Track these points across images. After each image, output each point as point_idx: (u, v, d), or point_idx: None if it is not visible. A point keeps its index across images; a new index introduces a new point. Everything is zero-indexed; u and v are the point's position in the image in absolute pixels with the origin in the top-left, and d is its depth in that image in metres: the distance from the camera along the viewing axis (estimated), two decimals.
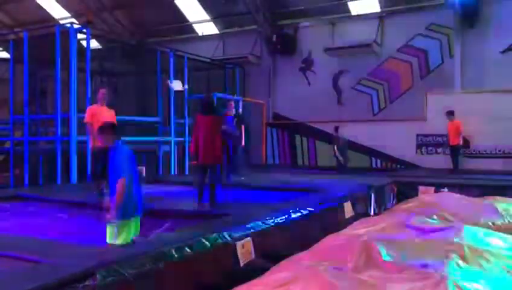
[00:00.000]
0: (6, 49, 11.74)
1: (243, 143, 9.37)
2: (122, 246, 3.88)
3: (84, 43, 10.03)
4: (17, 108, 10.45)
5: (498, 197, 6.20)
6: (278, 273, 3.31)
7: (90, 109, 7.01)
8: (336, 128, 11.94)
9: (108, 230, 4.07)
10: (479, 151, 11.25)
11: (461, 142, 10.75)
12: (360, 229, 4.34)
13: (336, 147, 11.81)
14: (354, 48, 12.76)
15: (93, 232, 4.58)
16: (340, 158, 11.75)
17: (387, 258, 3.37)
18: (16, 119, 10.52)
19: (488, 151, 11.09)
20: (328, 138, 12.55)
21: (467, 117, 11.13)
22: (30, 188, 9.20)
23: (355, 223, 4.93)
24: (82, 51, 9.77)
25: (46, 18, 16.38)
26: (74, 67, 9.27)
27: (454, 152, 10.77)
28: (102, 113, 6.81)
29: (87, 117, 6.89)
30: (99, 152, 6.74)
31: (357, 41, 12.73)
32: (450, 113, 10.81)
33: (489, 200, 6.01)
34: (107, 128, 4.22)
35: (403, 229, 4.22)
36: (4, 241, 3.96)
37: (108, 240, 4.05)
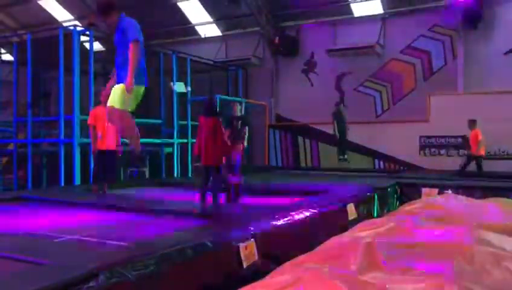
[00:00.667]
0: (10, 52, 11.78)
1: (245, 145, 9.39)
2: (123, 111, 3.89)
3: (87, 45, 10.06)
4: (21, 110, 10.49)
5: (502, 199, 6.18)
6: (280, 276, 3.30)
7: (94, 111, 7.01)
8: (337, 103, 11.92)
9: (120, 95, 3.98)
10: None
11: (481, 153, 10.14)
12: (363, 231, 4.32)
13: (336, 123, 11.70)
14: (357, 49, 12.77)
15: (95, 233, 4.58)
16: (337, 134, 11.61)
17: (391, 260, 3.35)
18: (20, 121, 10.56)
19: (491, 152, 11.04)
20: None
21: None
22: (33, 190, 9.23)
23: (358, 225, 4.91)
24: (85, 53, 9.79)
25: (50, 20, 16.44)
26: (77, 69, 9.30)
27: (477, 162, 10.18)
28: (102, 114, 6.81)
29: (90, 119, 6.89)
30: (101, 154, 6.76)
31: (360, 42, 12.73)
32: (471, 122, 10.22)
33: (493, 201, 5.99)
34: (105, 7, 4.20)
35: (407, 231, 4.20)
36: (7, 243, 3.96)
37: (112, 104, 4.00)
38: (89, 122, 6.91)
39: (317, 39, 13.67)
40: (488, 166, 10.83)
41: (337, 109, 11.93)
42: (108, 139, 6.74)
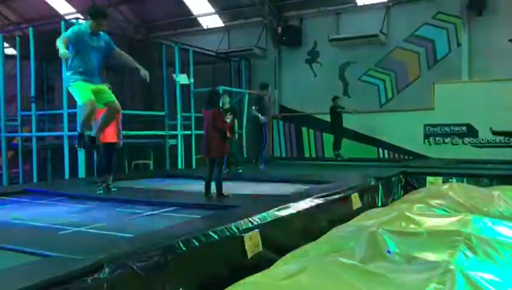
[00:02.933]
0: (13, 46, 11.78)
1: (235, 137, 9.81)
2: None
3: None
4: (25, 104, 10.52)
5: (506, 187, 6.17)
6: (285, 265, 3.32)
7: None
8: (334, 98, 11.90)
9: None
10: (487, 140, 11.16)
11: None
12: (367, 221, 4.34)
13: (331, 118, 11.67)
14: (360, 38, 12.68)
15: (100, 226, 4.61)
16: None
17: (395, 249, 3.36)
18: (24, 115, 10.60)
19: (496, 140, 10.99)
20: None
21: (475, 106, 11.07)
22: (38, 183, 9.29)
23: (362, 214, 4.93)
24: None
25: (52, 14, 16.42)
26: None
27: None
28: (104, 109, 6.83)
29: None
30: (103, 147, 6.79)
31: (363, 31, 12.64)
32: None
33: (497, 189, 5.98)
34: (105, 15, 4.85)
35: (410, 220, 4.21)
36: (13, 235, 4.00)
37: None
38: None
39: (320, 29, 13.58)
40: (493, 154, 10.80)
41: (334, 103, 11.91)
42: (108, 132, 6.78)
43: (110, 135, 6.81)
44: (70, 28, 5.14)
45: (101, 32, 5.11)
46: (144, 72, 5.35)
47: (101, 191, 6.57)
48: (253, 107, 10.20)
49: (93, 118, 4.78)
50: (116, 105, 4.80)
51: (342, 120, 11.96)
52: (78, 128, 4.72)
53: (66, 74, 4.79)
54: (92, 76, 4.71)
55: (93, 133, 5.03)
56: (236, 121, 9.71)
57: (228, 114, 8.80)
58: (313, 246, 3.85)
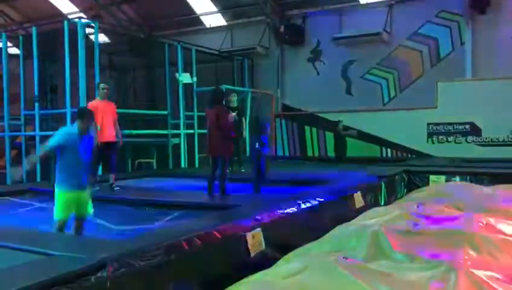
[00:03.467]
0: (16, 45, 11.81)
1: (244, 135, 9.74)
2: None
3: (92, 37, 10.07)
4: (28, 103, 10.54)
5: (509, 185, 6.15)
6: (288, 264, 3.32)
7: (91, 104, 7.03)
8: (336, 123, 11.88)
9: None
10: (490, 139, 11.13)
11: None
12: (370, 219, 4.33)
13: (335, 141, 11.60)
14: (363, 36, 12.65)
15: (104, 224, 4.63)
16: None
17: (397, 248, 3.36)
18: (27, 114, 10.62)
19: (500, 139, 10.96)
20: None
21: (479, 105, 11.03)
22: (42, 182, 9.31)
23: (365, 213, 4.93)
24: (91, 46, 9.80)
25: (55, 13, 16.44)
26: (83, 61, 9.31)
27: None
28: (102, 108, 6.90)
29: None
30: (101, 146, 6.82)
31: (366, 30, 12.62)
32: None
33: (501, 188, 5.97)
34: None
35: (414, 218, 4.20)
36: (17, 234, 4.02)
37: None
38: None
39: (323, 27, 13.56)
40: (496, 152, 10.76)
41: (336, 128, 11.86)
42: (107, 132, 6.83)
43: (110, 135, 6.84)
44: (56, 134, 4.91)
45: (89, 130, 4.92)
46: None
47: (97, 189, 6.61)
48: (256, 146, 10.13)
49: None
50: (82, 222, 4.75)
51: (346, 144, 11.90)
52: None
53: (57, 175, 4.75)
54: (80, 177, 4.63)
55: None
56: (243, 120, 9.69)
57: (231, 112, 8.82)
58: (315, 245, 3.85)
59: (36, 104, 10.17)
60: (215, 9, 15.05)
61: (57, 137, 4.62)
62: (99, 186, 6.72)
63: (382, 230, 3.58)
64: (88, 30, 9.99)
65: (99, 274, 2.69)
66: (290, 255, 3.65)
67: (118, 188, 6.85)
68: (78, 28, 9.37)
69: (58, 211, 4.47)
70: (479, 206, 5.07)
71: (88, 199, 4.69)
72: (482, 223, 3.91)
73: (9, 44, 11.33)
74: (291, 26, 13.82)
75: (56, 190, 4.58)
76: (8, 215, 5.22)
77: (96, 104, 6.98)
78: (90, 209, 4.70)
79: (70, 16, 15.18)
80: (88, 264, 2.73)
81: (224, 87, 10.51)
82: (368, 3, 13.03)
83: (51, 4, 16.57)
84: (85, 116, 4.65)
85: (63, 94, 10.01)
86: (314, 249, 3.66)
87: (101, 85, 7.24)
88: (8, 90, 10.73)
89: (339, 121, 11.97)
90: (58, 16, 15.94)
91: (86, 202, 4.66)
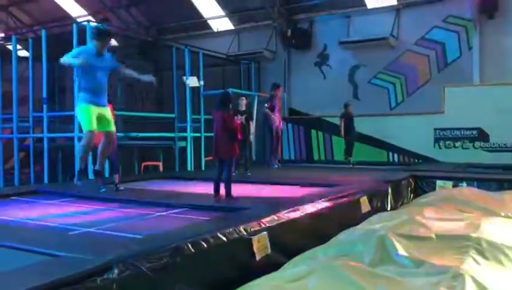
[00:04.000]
0: (26, 48, 11.92)
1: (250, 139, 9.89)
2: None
3: None
4: (37, 105, 10.62)
5: None
6: (293, 268, 3.32)
7: None
8: (345, 105, 11.86)
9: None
10: (498, 145, 11.06)
11: None
12: (376, 224, 4.32)
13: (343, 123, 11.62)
14: (370, 41, 12.65)
15: (110, 226, 4.64)
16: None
17: (404, 253, 3.35)
18: (36, 116, 10.70)
19: (508, 145, 10.89)
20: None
21: (486, 110, 10.98)
22: (49, 184, 9.37)
23: (371, 217, 4.91)
24: None
25: (64, 16, 16.59)
26: None
27: None
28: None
29: None
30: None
31: (373, 34, 12.62)
32: None
33: (508, 194, 5.93)
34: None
35: (420, 223, 4.18)
36: (23, 235, 4.04)
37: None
38: None
39: (330, 31, 13.57)
40: (504, 158, 10.70)
41: (345, 110, 11.85)
42: None
43: None
44: (76, 49, 5.28)
45: (106, 54, 5.23)
46: (148, 79, 5.48)
47: (104, 190, 6.67)
48: (265, 105, 10.32)
49: (91, 147, 4.91)
50: (112, 136, 4.99)
51: (354, 126, 11.88)
52: (78, 164, 4.85)
53: (78, 94, 4.96)
54: (100, 96, 4.90)
55: (97, 167, 5.18)
56: (251, 123, 9.78)
57: (239, 116, 8.86)
58: (321, 249, 3.84)
59: (44, 106, 10.24)
60: (222, 13, 15.11)
61: (75, 51, 4.81)
62: (104, 187, 6.75)
63: (389, 235, 3.56)
64: None
65: (105, 276, 2.70)
66: (296, 259, 3.64)
67: (122, 188, 6.89)
68: (87, 31, 9.44)
69: (84, 123, 4.62)
70: (487, 212, 5.05)
71: (109, 116, 4.85)
72: (490, 228, 3.88)
73: (18, 46, 11.42)
74: (298, 31, 13.85)
75: (78, 106, 4.73)
76: (14, 214, 5.25)
77: None
78: (112, 127, 4.88)
79: (79, 19, 15.32)
80: (94, 265, 2.74)
81: (231, 90, 10.55)
82: (375, 8, 13.03)
83: (60, 7, 16.73)
84: (101, 36, 4.83)
85: (71, 96, 10.07)
86: (320, 254, 3.65)
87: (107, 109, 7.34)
88: (17, 92, 10.81)
89: (348, 104, 11.92)
90: (67, 19, 16.08)
91: (109, 118, 4.82)
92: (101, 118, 4.85)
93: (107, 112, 5.00)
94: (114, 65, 5.42)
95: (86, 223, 4.82)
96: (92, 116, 4.78)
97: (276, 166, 9.94)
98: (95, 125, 4.79)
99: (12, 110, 10.83)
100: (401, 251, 3.37)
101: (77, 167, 4.87)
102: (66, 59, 4.98)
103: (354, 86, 13.44)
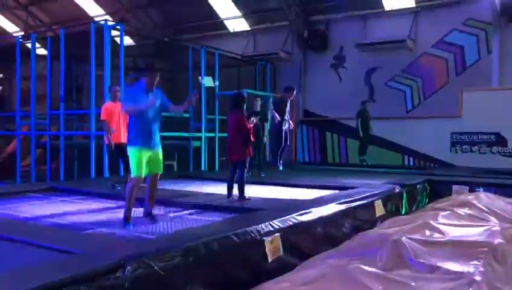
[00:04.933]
0: (44, 46, 12.08)
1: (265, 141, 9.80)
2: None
3: (118, 39, 10.23)
4: (54, 103, 10.76)
5: None
6: (305, 271, 3.30)
7: (105, 107, 7.19)
8: (363, 102, 11.83)
9: None
10: None
11: None
12: (390, 228, 4.27)
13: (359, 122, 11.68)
14: (387, 43, 12.53)
15: (122, 224, 4.67)
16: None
17: (418, 258, 3.30)
18: (53, 114, 10.83)
19: None
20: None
21: (505, 115, 10.81)
22: (65, 181, 9.48)
23: (385, 221, 4.86)
24: (116, 48, 9.96)
25: (83, 16, 16.77)
26: (108, 63, 9.46)
27: None
28: (116, 110, 7.05)
29: (103, 115, 7.08)
30: (116, 147, 6.98)
31: (391, 36, 12.50)
32: None
33: None
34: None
35: (435, 229, 4.13)
36: (39, 232, 4.09)
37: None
38: (102, 117, 7.10)
39: (347, 33, 13.48)
40: None
41: (363, 107, 11.82)
42: (122, 134, 6.99)
43: (122, 135, 7.00)
44: (127, 94, 5.21)
45: (156, 89, 5.05)
46: (190, 104, 5.46)
47: (119, 188, 6.72)
48: (271, 107, 10.26)
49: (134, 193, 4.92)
50: (157, 179, 5.01)
51: (370, 125, 11.85)
52: (125, 208, 4.84)
53: (129, 134, 4.97)
54: (152, 138, 4.85)
55: (148, 209, 5.22)
56: (266, 124, 9.71)
57: (254, 117, 8.83)
58: (334, 252, 3.81)
59: (61, 104, 10.36)
60: (239, 14, 15.12)
61: (127, 97, 4.82)
62: (120, 186, 6.81)
63: (403, 239, 3.52)
64: (114, 33, 10.15)
65: (118, 274, 2.71)
66: (309, 261, 3.62)
67: (119, 187, 7.03)
68: (104, 30, 9.53)
69: (133, 168, 4.64)
70: (503, 218, 4.96)
71: (160, 158, 4.86)
72: (506, 235, 3.81)
73: (37, 45, 11.57)
74: (314, 32, 13.78)
75: (129, 149, 4.73)
76: (29, 210, 5.32)
77: (110, 106, 7.13)
78: (161, 169, 4.91)
79: (96, 19, 15.48)
80: (107, 263, 2.76)
81: (245, 91, 10.55)
82: (392, 10, 12.91)
83: (79, 7, 16.92)
84: (152, 73, 4.82)
85: (87, 95, 10.18)
86: (333, 257, 3.62)
87: (113, 88, 7.41)
88: (35, 90, 10.97)
89: (365, 101, 11.88)
90: (85, 18, 16.25)
91: (159, 160, 4.82)
92: (151, 161, 4.82)
93: (159, 153, 4.94)
94: (165, 103, 5.15)
95: (100, 222, 4.86)
96: (143, 162, 4.73)
97: (281, 167, 9.81)
98: (144, 173, 4.79)
99: (30, 107, 10.98)
100: (416, 256, 3.33)
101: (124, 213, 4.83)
102: (128, 108, 4.87)
103: (370, 88, 13.33)
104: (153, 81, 4.88)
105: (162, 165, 5.07)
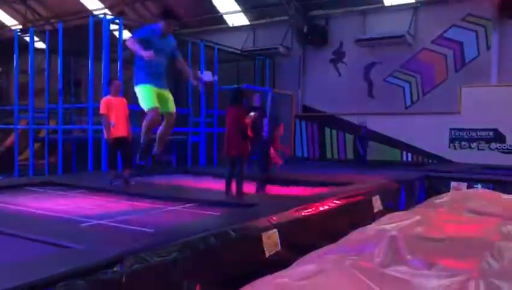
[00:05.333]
0: (43, 40, 12.04)
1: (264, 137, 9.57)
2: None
3: (117, 33, 10.20)
4: (53, 97, 10.73)
5: None
6: (303, 266, 3.30)
7: (105, 101, 7.12)
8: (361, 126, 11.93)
9: None
10: None
11: None
12: (388, 224, 4.27)
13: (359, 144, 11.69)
14: (387, 39, 12.52)
15: (122, 219, 4.67)
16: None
17: (415, 254, 3.30)
18: (51, 108, 10.81)
19: None
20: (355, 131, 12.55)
21: (504, 111, 10.82)
22: (63, 175, 9.47)
23: (383, 217, 4.86)
24: (115, 41, 9.93)
25: (81, 9, 16.71)
26: (106, 57, 9.43)
27: None
28: (116, 104, 7.00)
29: (102, 108, 7.02)
30: (116, 142, 6.95)
31: (390, 32, 12.48)
32: None
33: None
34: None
35: (433, 225, 4.13)
36: (36, 225, 4.08)
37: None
38: (101, 111, 7.02)
39: (347, 28, 13.47)
40: None
41: (361, 131, 11.85)
42: (122, 127, 6.92)
43: (123, 130, 6.95)
44: (142, 29, 5.27)
45: (170, 36, 5.19)
46: (195, 83, 5.52)
47: (116, 183, 6.72)
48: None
49: (151, 128, 4.91)
50: (173, 117, 4.97)
51: (367, 147, 11.91)
52: (141, 140, 4.83)
53: (136, 73, 4.95)
54: (160, 79, 4.89)
55: (155, 151, 5.20)
56: (264, 120, 9.59)
57: (253, 112, 8.76)
58: (332, 248, 3.81)
59: (60, 98, 10.34)
60: (238, 8, 15.08)
61: (141, 32, 4.82)
62: (117, 181, 6.81)
63: (400, 235, 3.52)
64: (112, 26, 10.11)
65: (115, 269, 2.71)
66: (306, 257, 3.62)
67: (133, 183, 6.95)
68: (103, 24, 9.49)
69: (146, 102, 4.61)
70: (501, 215, 4.96)
71: (171, 97, 4.85)
72: (504, 231, 3.82)
73: (36, 38, 11.54)
74: (314, 27, 13.76)
75: (137, 86, 4.72)
76: (27, 204, 5.32)
77: (109, 100, 7.07)
78: (174, 108, 4.88)
79: (95, 12, 15.41)
80: (104, 258, 2.76)
81: (244, 86, 10.52)
82: (392, 5, 12.89)
83: (78, 1, 16.84)
84: (171, 17, 4.88)
85: (86, 89, 10.15)
86: (330, 252, 3.62)
87: (115, 82, 7.36)
88: (33, 84, 10.93)
89: (363, 126, 11.96)
90: (84, 12, 16.18)
91: (169, 98, 4.81)
92: (162, 98, 4.82)
93: (169, 93, 4.96)
94: (175, 51, 5.36)
95: (98, 215, 4.85)
96: (153, 94, 4.73)
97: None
98: (157, 103, 4.75)
99: (28, 101, 10.95)
100: (413, 252, 3.33)
101: (141, 146, 4.81)
102: (132, 44, 4.91)
103: (369, 84, 13.33)
104: (168, 28, 4.95)
105: (173, 104, 5.01)
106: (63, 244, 3.22)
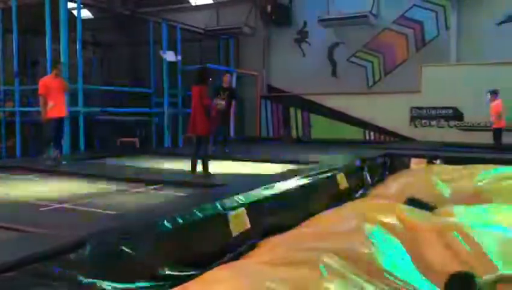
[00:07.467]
0: None
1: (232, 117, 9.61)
2: None
3: (75, 12, 9.83)
4: (8, 79, 10.32)
5: (479, 166, 6.39)
6: (269, 247, 3.33)
7: (43, 81, 7.16)
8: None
9: None
10: (472, 124, 11.28)
11: (501, 125, 9.75)
12: (352, 211, 4.35)
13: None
14: (350, 19, 12.59)
15: (84, 202, 4.58)
16: None
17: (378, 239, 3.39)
18: (7, 90, 10.42)
19: (481, 124, 11.10)
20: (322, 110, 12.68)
21: (462, 90, 11.14)
22: (21, 159, 9.19)
23: (347, 204, 4.94)
24: (74, 21, 9.57)
25: None
26: (65, 36, 9.10)
27: (495, 135, 9.85)
28: (54, 85, 7.08)
29: (41, 89, 7.04)
30: (56, 122, 6.94)
31: (353, 12, 12.55)
32: (493, 93, 9.72)
33: (471, 168, 6.20)
34: None
35: (394, 210, 4.24)
36: None
37: None
38: (40, 92, 7.08)
39: (310, 8, 13.45)
40: (478, 137, 10.88)
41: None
42: (60, 107, 7.11)
43: (63, 110, 7.17)
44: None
45: None
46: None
47: (52, 163, 6.87)
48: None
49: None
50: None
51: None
52: None
53: None
54: None
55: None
56: (233, 101, 9.51)
57: (222, 93, 8.76)
58: (296, 232, 3.86)
59: (16, 80, 9.96)
60: None
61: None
62: (66, 160, 6.96)
63: (364, 223, 3.60)
64: (71, 5, 9.74)
65: (78, 252, 2.65)
66: (271, 239, 3.65)
67: (64, 162, 7.16)
68: (60, 2, 9.12)
69: None
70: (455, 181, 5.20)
71: None
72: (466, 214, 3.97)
73: None
74: (278, 6, 13.68)
75: None
76: None
77: (48, 81, 7.11)
78: None
79: None
80: (67, 241, 2.69)
81: (208, 66, 10.39)
82: None
83: None
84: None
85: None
86: (294, 237, 3.67)
87: (58, 65, 7.40)
88: None
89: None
90: None
91: None
92: None
93: None
94: None
95: (59, 199, 4.74)
96: None
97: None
98: None
99: None
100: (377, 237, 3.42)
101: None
102: None
103: (333, 63, 13.43)
104: None
105: None
106: (23, 229, 3.14)
